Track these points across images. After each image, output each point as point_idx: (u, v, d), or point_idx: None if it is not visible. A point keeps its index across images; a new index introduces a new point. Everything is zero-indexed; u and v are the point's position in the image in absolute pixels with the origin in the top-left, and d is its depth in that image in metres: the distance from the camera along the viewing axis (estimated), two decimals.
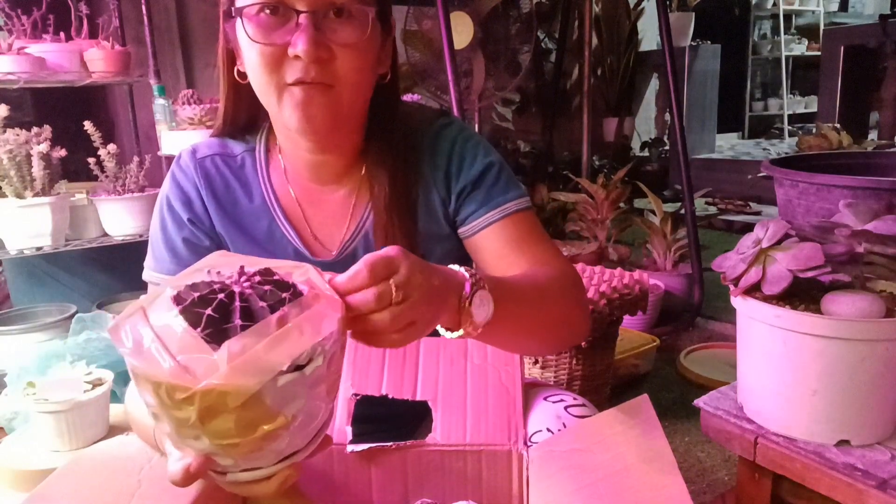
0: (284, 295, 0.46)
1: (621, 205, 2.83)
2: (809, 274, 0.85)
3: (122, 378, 1.65)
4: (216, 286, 0.46)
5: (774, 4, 5.92)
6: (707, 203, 4.11)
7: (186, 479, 0.47)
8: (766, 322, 0.88)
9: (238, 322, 0.44)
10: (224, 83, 0.81)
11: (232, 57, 0.78)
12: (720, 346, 2.22)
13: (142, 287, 0.83)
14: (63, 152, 1.95)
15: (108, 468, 0.62)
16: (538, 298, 0.71)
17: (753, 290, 0.90)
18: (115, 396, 1.60)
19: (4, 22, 2.18)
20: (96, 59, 2.15)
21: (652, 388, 2.00)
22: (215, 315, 0.44)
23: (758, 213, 3.99)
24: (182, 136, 1.96)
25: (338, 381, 0.50)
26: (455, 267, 0.61)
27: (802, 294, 0.90)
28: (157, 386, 0.43)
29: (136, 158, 2.20)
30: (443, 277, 0.57)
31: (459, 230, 0.85)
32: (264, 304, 0.45)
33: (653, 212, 2.72)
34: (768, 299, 0.89)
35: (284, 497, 0.51)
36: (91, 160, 2.10)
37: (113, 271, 2.34)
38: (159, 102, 2.07)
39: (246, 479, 0.49)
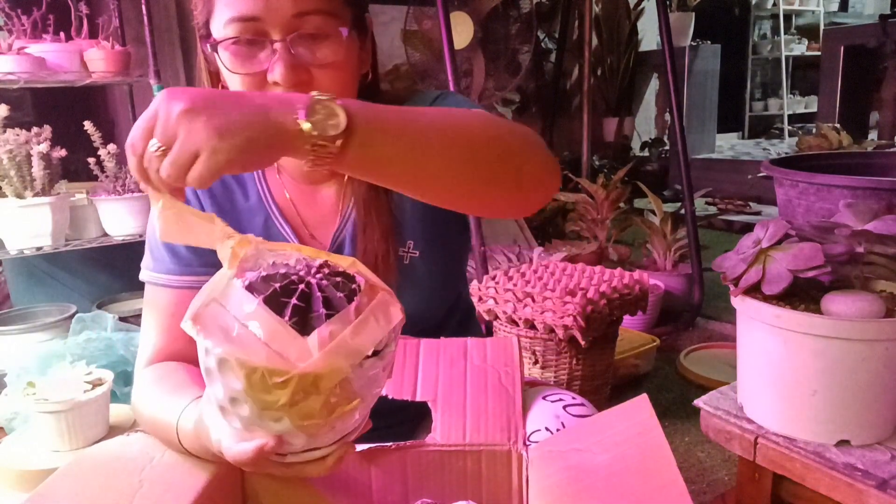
0: (354, 286, 0.49)
1: (621, 205, 2.83)
2: (809, 274, 0.85)
3: (122, 378, 1.65)
4: (293, 276, 0.48)
5: (774, 4, 5.92)
6: (707, 203, 4.11)
7: (259, 457, 0.49)
8: (766, 322, 0.88)
9: (322, 311, 0.46)
10: None
11: (215, 74, 0.77)
12: (720, 346, 2.22)
13: (143, 287, 0.83)
14: (63, 152, 1.95)
15: (110, 468, 0.62)
16: (454, 126, 0.60)
17: (753, 290, 0.90)
18: (115, 396, 1.60)
19: (4, 22, 2.18)
20: (96, 59, 2.15)
21: (652, 388, 2.00)
22: (300, 304, 0.46)
23: (758, 213, 3.99)
24: None
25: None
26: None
27: (802, 294, 0.90)
28: (251, 371, 0.45)
29: None
30: (246, 106, 0.50)
31: None
32: (341, 294, 0.47)
33: (653, 212, 2.72)
34: (768, 299, 0.89)
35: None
36: (91, 160, 2.10)
37: (113, 271, 2.34)
38: None
39: (307, 458, 0.51)
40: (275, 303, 0.46)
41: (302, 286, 0.47)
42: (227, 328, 0.46)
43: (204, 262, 0.82)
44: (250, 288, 0.47)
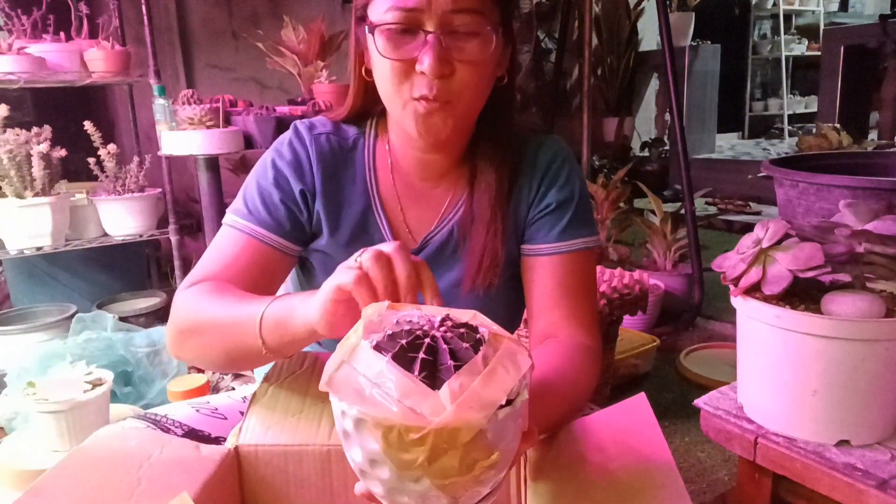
0: (478, 336, 0.49)
1: (621, 205, 2.83)
2: (809, 274, 0.85)
3: (122, 378, 1.65)
4: (418, 332, 0.48)
5: (774, 4, 5.92)
6: (707, 203, 4.11)
7: None
8: (766, 322, 0.88)
9: (450, 362, 0.47)
10: (354, 79, 0.85)
11: (362, 56, 0.82)
12: (720, 346, 2.23)
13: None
14: (63, 152, 1.95)
15: (107, 464, 0.62)
16: (565, 412, 0.72)
17: (753, 290, 0.90)
18: (115, 396, 1.60)
19: (4, 22, 2.18)
20: (96, 59, 2.15)
21: (652, 388, 2.00)
22: (428, 357, 0.47)
23: (758, 213, 3.99)
24: (182, 136, 1.96)
25: (526, 421, 0.52)
26: None
27: (802, 294, 0.90)
28: (388, 430, 0.44)
29: (136, 158, 2.20)
30: None
31: (523, 245, 0.87)
32: (466, 344, 0.48)
33: (653, 212, 2.72)
34: (768, 299, 0.89)
35: None
36: (91, 160, 2.10)
37: (113, 271, 2.34)
38: (159, 102, 2.07)
39: None
40: (403, 359, 0.47)
41: (427, 340, 0.48)
42: (360, 389, 0.46)
43: (292, 235, 0.84)
44: (378, 347, 0.48)
